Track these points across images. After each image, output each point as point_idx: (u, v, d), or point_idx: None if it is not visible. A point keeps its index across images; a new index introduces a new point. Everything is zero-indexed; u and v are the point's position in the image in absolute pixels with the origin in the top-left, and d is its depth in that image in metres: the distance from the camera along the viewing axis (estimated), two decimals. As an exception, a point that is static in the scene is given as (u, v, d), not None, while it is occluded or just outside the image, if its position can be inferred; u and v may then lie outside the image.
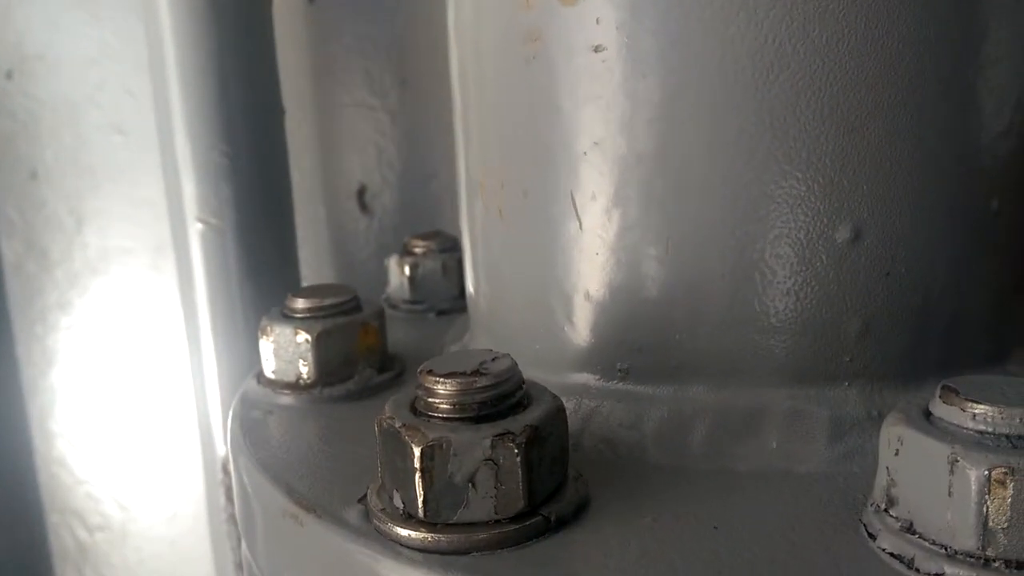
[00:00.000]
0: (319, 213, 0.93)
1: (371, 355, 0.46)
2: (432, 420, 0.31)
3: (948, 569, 0.26)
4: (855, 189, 0.34)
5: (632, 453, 0.36)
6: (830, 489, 0.33)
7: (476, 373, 0.31)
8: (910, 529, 0.28)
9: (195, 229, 0.63)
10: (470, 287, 0.47)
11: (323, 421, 0.42)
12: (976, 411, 0.26)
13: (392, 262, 0.62)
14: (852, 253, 0.34)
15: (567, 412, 0.33)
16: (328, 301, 0.45)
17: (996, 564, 0.25)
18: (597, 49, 0.35)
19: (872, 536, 0.29)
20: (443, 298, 0.60)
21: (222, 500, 0.67)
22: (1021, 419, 0.26)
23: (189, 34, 0.57)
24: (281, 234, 0.66)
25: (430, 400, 0.31)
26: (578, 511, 0.32)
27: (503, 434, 0.29)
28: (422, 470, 0.29)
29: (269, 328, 0.45)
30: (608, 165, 0.36)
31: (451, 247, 0.63)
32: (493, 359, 0.32)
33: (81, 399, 0.95)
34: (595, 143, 0.36)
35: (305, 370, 0.44)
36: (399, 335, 0.54)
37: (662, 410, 0.36)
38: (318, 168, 0.92)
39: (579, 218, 0.37)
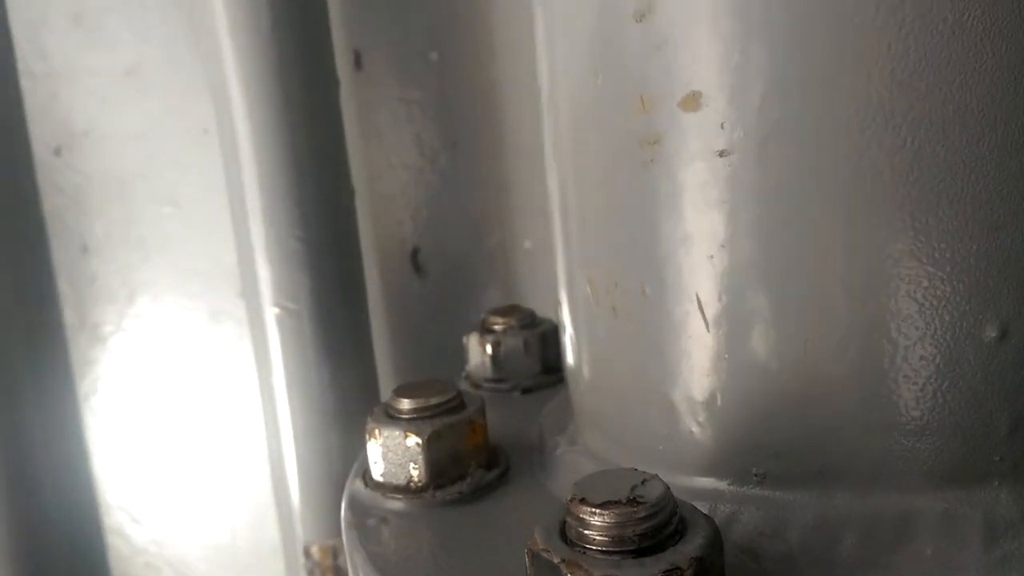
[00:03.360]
0: (373, 276, 0.93)
1: (479, 453, 0.45)
2: (590, 553, 0.30)
3: None
4: (1000, 287, 0.33)
5: (779, 566, 0.35)
6: (998, 601, 0.32)
7: (633, 502, 0.30)
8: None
9: (272, 314, 0.63)
10: (572, 378, 0.47)
11: (440, 528, 0.42)
12: None
13: (472, 340, 0.62)
14: (999, 351, 0.33)
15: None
16: (434, 400, 0.45)
17: None
18: (722, 154, 0.35)
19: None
20: (526, 375, 0.60)
21: (305, 585, 0.66)
22: None
23: (264, 125, 0.58)
24: (356, 315, 0.66)
25: (585, 532, 0.30)
26: (744, 640, 0.31)
27: (671, 570, 0.29)
28: (590, 610, 0.28)
29: (377, 431, 0.44)
30: (736, 267, 0.36)
31: (530, 323, 0.62)
32: (643, 482, 0.31)
33: (137, 473, 0.95)
34: (721, 246, 0.36)
35: (416, 473, 0.44)
36: (489, 418, 0.53)
37: (806, 518, 0.35)
38: (371, 231, 0.92)
39: (705, 319, 0.37)
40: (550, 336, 0.60)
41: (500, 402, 0.59)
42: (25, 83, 0.92)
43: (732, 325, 0.36)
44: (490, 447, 0.48)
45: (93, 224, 0.96)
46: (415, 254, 0.94)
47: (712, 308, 0.36)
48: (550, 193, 0.45)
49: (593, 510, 0.30)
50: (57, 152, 0.97)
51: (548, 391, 0.58)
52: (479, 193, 0.91)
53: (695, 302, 0.37)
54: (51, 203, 0.97)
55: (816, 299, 0.34)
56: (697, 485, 0.38)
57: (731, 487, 0.37)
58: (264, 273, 0.62)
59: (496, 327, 0.62)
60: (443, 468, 0.44)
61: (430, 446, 0.43)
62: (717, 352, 0.37)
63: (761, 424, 0.36)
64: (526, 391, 0.59)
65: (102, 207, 0.95)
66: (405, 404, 0.45)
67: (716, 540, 0.30)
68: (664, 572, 0.29)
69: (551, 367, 0.60)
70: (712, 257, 0.36)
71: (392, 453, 0.44)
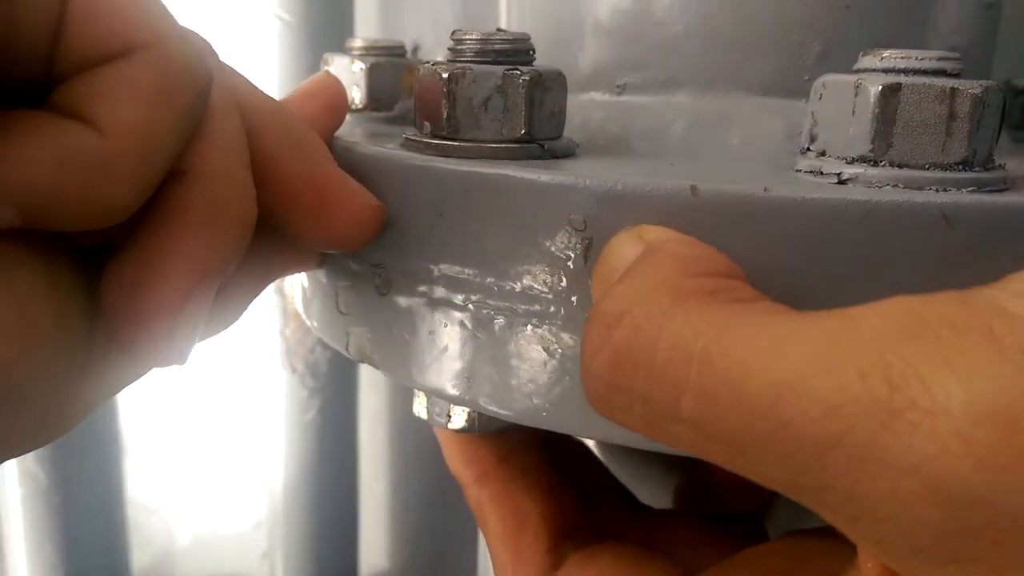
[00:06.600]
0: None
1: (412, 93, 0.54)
2: (458, 61, 0.38)
3: (847, 169, 0.33)
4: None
5: (619, 144, 0.44)
6: (775, 162, 0.40)
7: (498, 31, 0.39)
8: (823, 154, 0.35)
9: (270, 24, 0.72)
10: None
11: (370, 126, 0.51)
12: (884, 55, 0.34)
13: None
14: (817, -17, 0.41)
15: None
16: (382, 44, 0.53)
17: (883, 164, 0.33)
18: None
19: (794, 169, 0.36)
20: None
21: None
22: (918, 58, 0.33)
23: None
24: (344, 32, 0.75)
25: (457, 49, 0.39)
26: (568, 152, 0.40)
27: (513, 71, 0.37)
28: (448, 92, 0.37)
29: (329, 59, 0.53)
30: (625, -93, 0.43)
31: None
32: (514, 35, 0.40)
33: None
34: None
35: (358, 96, 0.52)
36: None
37: (648, 113, 0.44)
38: (375, 24, 1.00)
39: (597, -44, 0.45)
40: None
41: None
42: None
43: (615, -44, 0.44)
44: (427, 109, 0.56)
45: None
46: (415, 52, 1.02)
47: (603, -57, 0.44)
48: None
49: (465, 33, 0.39)
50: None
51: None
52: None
53: (591, -60, 0.45)
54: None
55: (680, -73, 0.42)
56: (582, 99, 0.46)
57: (601, 97, 0.46)
58: (266, -14, 0.71)
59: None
60: (380, 95, 0.53)
61: (371, 73, 0.52)
62: (602, -17, 0.45)
63: (628, 43, 0.45)
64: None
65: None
66: (357, 43, 0.54)
67: (558, 76, 0.39)
68: (507, 71, 0.37)
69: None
70: None
71: (340, 77, 0.53)
